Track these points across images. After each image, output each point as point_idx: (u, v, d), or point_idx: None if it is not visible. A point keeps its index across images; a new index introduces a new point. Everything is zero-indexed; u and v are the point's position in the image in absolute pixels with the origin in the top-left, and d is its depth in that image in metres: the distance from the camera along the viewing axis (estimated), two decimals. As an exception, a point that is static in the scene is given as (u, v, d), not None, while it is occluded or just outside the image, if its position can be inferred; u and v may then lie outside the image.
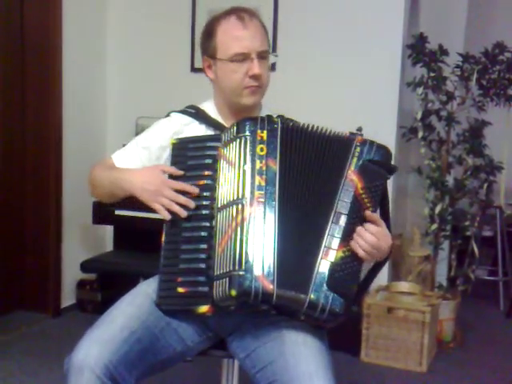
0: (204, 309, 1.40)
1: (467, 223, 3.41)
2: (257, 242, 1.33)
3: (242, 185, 1.37)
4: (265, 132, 1.42)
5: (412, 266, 3.24)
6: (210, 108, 1.66)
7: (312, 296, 1.33)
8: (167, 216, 1.44)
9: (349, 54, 3.15)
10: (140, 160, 1.62)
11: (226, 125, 1.59)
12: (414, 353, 2.84)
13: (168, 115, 1.68)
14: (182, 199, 1.44)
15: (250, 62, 1.54)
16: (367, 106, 3.11)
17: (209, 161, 1.47)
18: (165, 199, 1.44)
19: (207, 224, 1.43)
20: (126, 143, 1.70)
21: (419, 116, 3.14)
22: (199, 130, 1.63)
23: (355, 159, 1.42)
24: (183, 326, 1.49)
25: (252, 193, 1.36)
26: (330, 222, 1.37)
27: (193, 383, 2.62)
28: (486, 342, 3.25)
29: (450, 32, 3.46)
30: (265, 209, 1.35)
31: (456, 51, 3.14)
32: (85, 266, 3.03)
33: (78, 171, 3.20)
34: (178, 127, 1.63)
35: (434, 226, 3.18)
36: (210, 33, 1.59)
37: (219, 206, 1.41)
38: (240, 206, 1.35)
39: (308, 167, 1.41)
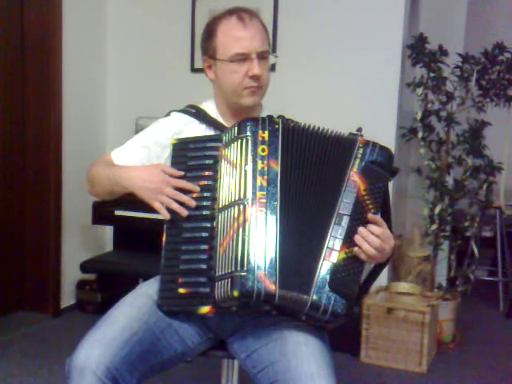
0: (205, 309, 1.40)
1: (467, 224, 3.42)
2: (259, 242, 1.32)
3: (244, 185, 1.36)
4: (266, 132, 1.40)
5: (412, 267, 3.23)
6: (210, 108, 1.66)
7: (314, 297, 1.32)
8: (167, 215, 1.43)
9: (348, 54, 3.15)
10: (139, 158, 1.61)
11: (227, 125, 1.59)
12: (414, 353, 2.84)
13: (168, 114, 1.67)
14: (183, 197, 1.43)
15: (250, 63, 1.53)
16: (367, 106, 3.11)
17: (209, 161, 1.45)
18: (165, 197, 1.43)
19: (208, 225, 1.42)
20: (126, 143, 1.70)
21: (419, 116, 3.15)
22: (199, 129, 1.62)
23: (358, 160, 1.41)
24: (184, 326, 1.48)
25: (254, 193, 1.35)
26: (333, 223, 1.36)
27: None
28: (486, 343, 3.25)
29: (449, 32, 3.47)
30: (266, 209, 1.34)
31: (456, 51, 3.15)
32: (84, 267, 3.02)
33: (77, 171, 3.19)
34: (178, 126, 1.62)
35: (434, 227, 3.18)
36: (210, 33, 1.58)
37: (220, 206, 1.40)
38: (242, 207, 1.34)
39: (310, 168, 1.41)
